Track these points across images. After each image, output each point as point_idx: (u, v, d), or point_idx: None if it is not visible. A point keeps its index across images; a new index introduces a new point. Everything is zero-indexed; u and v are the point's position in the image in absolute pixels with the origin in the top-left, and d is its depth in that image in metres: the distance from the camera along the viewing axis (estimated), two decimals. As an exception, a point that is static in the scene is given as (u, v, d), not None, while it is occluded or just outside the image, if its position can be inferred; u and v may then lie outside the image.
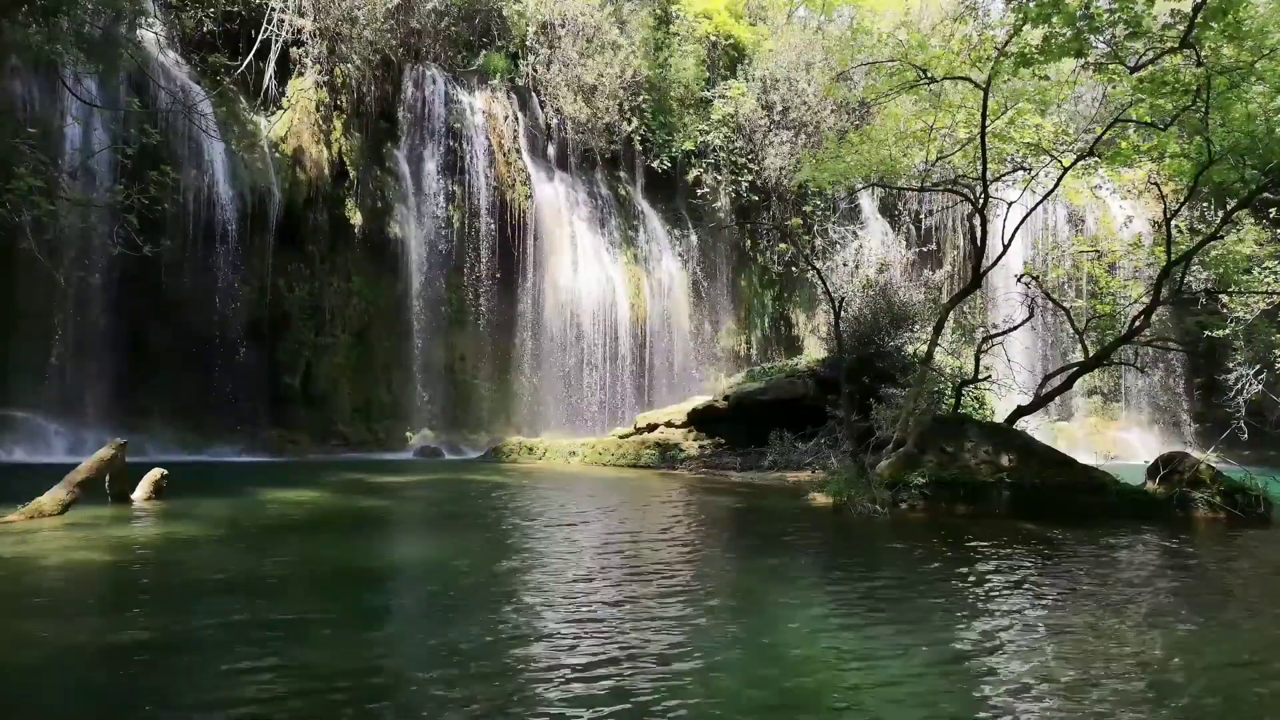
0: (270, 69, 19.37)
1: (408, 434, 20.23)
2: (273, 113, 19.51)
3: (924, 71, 11.78)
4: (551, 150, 24.07)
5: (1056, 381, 13.18)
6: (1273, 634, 4.97)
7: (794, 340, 26.76)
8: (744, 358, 25.96)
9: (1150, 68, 10.68)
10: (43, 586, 5.37)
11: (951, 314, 14.86)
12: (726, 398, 17.62)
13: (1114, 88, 12.43)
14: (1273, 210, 16.47)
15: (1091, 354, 13.14)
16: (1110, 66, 11.12)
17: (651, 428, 18.10)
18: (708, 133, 25.52)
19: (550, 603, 5.18)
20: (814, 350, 23.75)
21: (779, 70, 25.81)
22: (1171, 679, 4.02)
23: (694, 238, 26.04)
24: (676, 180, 25.88)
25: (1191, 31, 9.81)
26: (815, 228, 24.65)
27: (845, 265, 18.90)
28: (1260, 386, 19.66)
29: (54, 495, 7.86)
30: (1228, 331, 18.03)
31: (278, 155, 18.93)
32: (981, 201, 12.40)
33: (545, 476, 14.31)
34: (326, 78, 20.05)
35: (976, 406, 15.90)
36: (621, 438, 18.01)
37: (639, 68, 24.50)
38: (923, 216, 27.55)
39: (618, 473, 15.29)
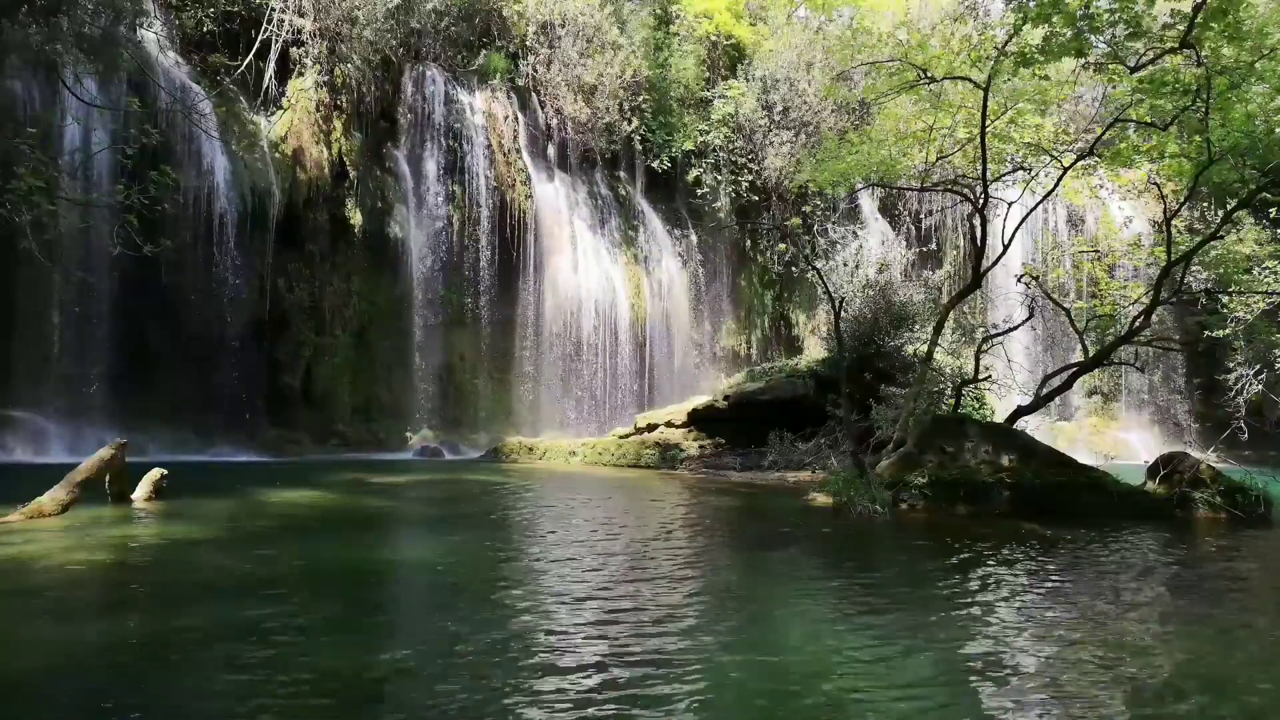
0: (270, 69, 19.38)
1: (408, 434, 20.24)
2: (273, 113, 19.52)
3: (924, 71, 11.79)
4: (551, 150, 24.07)
5: (1056, 381, 13.18)
6: (1274, 634, 4.97)
7: (794, 340, 26.76)
8: (744, 358, 25.96)
9: (1150, 68, 10.68)
10: (43, 586, 5.36)
11: (951, 314, 14.86)
12: (726, 398, 17.62)
13: (1114, 88, 12.44)
14: (1273, 210, 16.46)
15: (1091, 354, 13.14)
16: (1110, 66, 11.13)
17: (651, 428, 18.10)
18: (708, 133, 25.52)
19: (551, 603, 5.18)
20: (814, 350, 23.75)
21: (779, 70, 25.82)
22: (1172, 678, 4.02)
23: (694, 238, 26.05)
24: (676, 180, 25.89)
25: (1191, 31, 9.81)
26: (815, 228, 24.65)
27: (845, 265, 18.90)
28: (1260, 386, 19.66)
29: (54, 495, 7.85)
30: (1228, 331, 18.02)
31: (278, 155, 18.94)
32: (981, 201, 12.40)
33: (545, 477, 14.31)
34: (326, 78, 20.05)
35: (976, 406, 15.90)
36: (621, 438, 18.01)
37: (639, 68, 24.51)
38: (923, 216, 27.55)
39: (618, 473, 15.29)
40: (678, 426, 17.74)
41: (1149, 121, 11.26)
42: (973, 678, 3.92)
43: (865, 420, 13.79)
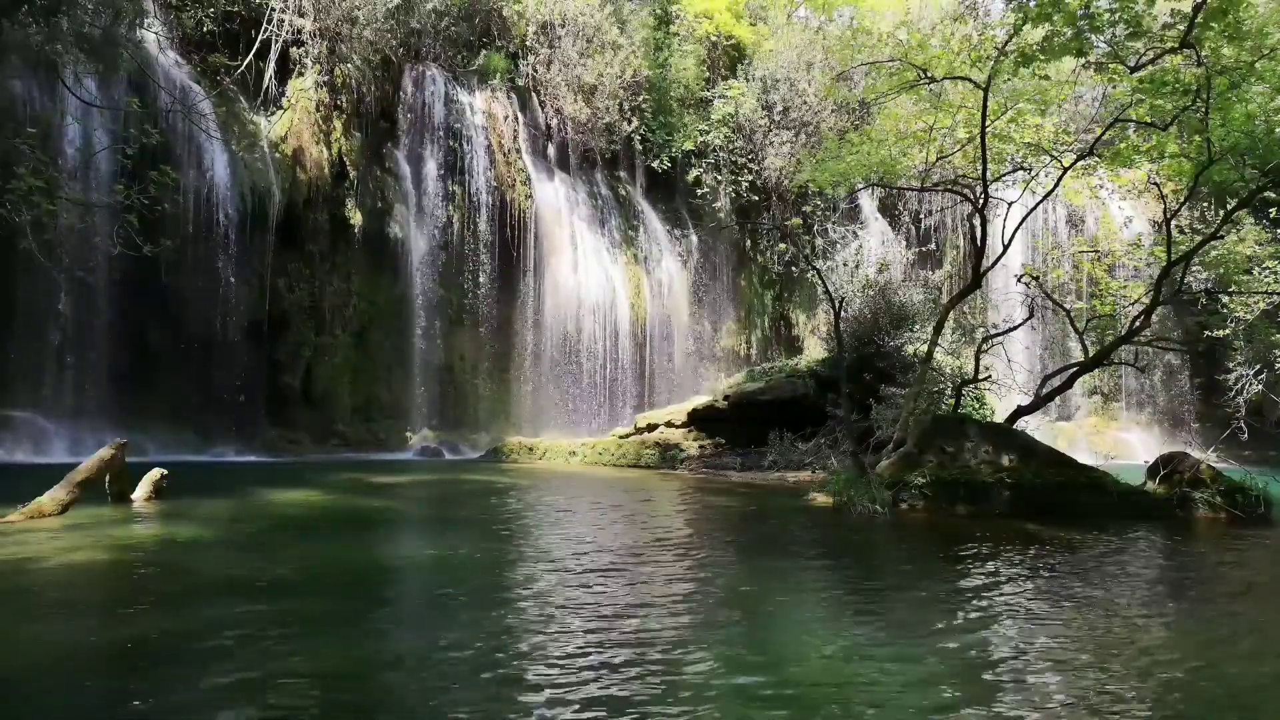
0: (270, 69, 19.37)
1: (408, 434, 20.24)
2: (273, 113, 19.52)
3: (924, 71, 11.78)
4: (551, 150, 24.07)
5: (1056, 381, 13.18)
6: (1274, 633, 4.97)
7: (794, 340, 26.75)
8: (744, 358, 25.96)
9: (1150, 68, 10.68)
10: (43, 586, 5.36)
11: (951, 314, 14.85)
12: (726, 398, 17.61)
13: (1114, 88, 12.43)
14: (1273, 210, 16.46)
15: (1091, 354, 13.13)
16: (1110, 66, 11.12)
17: (651, 428, 18.10)
18: (708, 133, 25.51)
19: (551, 603, 5.18)
20: (814, 350, 23.75)
21: (779, 70, 25.81)
22: (1173, 678, 4.02)
23: (694, 238, 26.05)
24: (676, 180, 25.88)
25: (1191, 31, 9.81)
26: (815, 228, 24.66)
27: (845, 265, 18.90)
28: (1260, 386, 19.65)
29: (54, 495, 7.85)
30: (1228, 331, 18.02)
31: (278, 155, 18.93)
32: (981, 201, 12.40)
33: (546, 477, 14.31)
34: (326, 78, 20.05)
35: (976, 406, 15.90)
36: (621, 438, 18.01)
37: (639, 68, 24.50)
38: (923, 216, 27.54)
39: (618, 473, 15.29)
40: (678, 426, 17.74)
41: (1149, 121, 11.25)
42: (972, 678, 3.92)
43: (865, 420, 13.79)
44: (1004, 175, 13.23)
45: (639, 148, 25.14)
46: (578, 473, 15.44)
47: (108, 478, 8.55)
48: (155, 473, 9.24)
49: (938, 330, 12.91)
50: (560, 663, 3.95)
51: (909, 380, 13.94)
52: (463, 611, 4.97)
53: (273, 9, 19.06)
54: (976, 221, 12.98)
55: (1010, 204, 13.08)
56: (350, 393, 20.12)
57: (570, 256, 23.06)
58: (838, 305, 13.17)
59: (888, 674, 3.92)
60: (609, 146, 24.55)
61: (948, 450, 10.52)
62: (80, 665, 3.90)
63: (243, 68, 18.83)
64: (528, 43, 23.77)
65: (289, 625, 4.55)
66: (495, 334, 22.07)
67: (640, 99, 24.56)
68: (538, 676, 3.77)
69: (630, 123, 24.41)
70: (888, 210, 27.83)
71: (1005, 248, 12.86)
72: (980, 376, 13.43)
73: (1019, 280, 14.66)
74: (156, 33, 17.62)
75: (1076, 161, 12.33)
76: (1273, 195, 13.88)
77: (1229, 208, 12.22)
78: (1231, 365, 20.36)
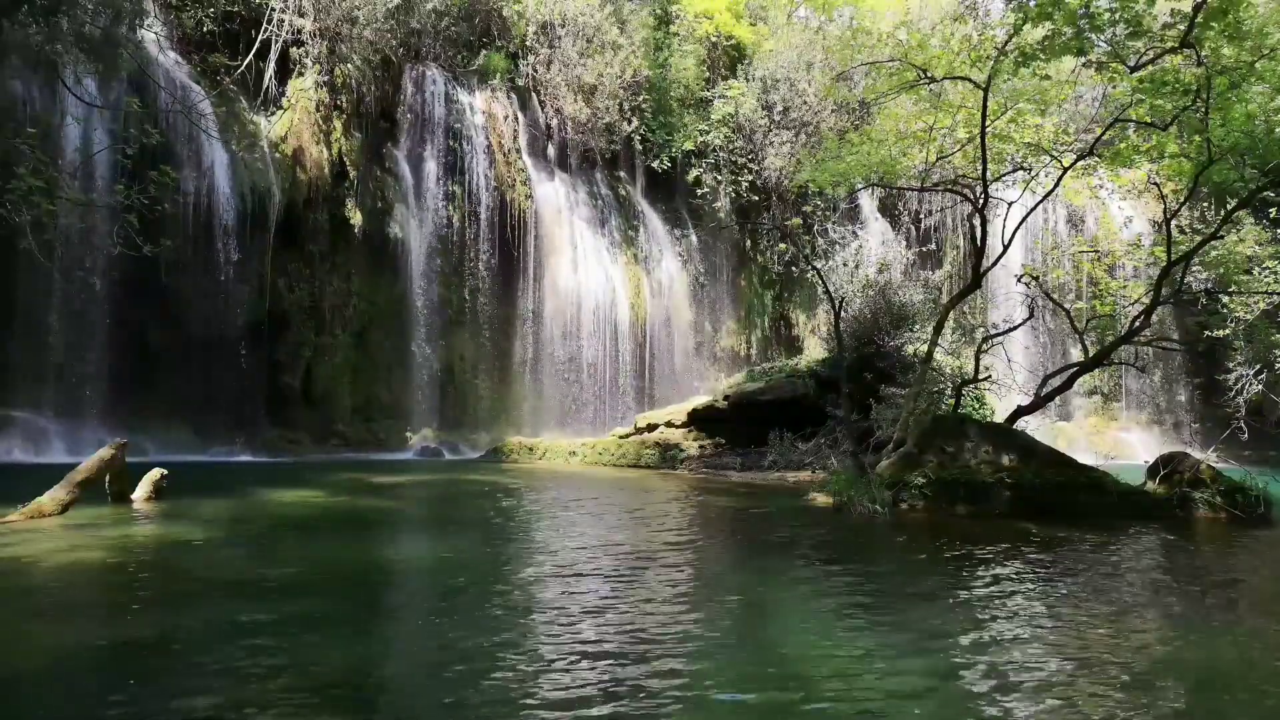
0: (270, 69, 19.37)
1: (408, 434, 20.24)
2: (273, 113, 19.52)
3: (924, 71, 11.77)
4: (551, 150, 24.07)
5: (1056, 381, 13.18)
6: (1274, 633, 4.96)
7: (794, 340, 26.75)
8: (744, 358, 25.95)
9: (1150, 68, 10.67)
10: (43, 586, 5.37)
11: (951, 314, 14.85)
12: (726, 398, 17.62)
13: (1114, 88, 12.42)
14: (1273, 210, 16.45)
15: (1091, 354, 13.13)
16: (1110, 66, 11.12)
17: (651, 428, 18.10)
18: (708, 133, 25.51)
19: (550, 603, 5.18)
20: (814, 350, 23.74)
21: (779, 70, 25.80)
22: (1172, 679, 4.02)
23: (694, 238, 26.04)
24: (676, 180, 25.88)
25: (1191, 31, 9.81)
26: (815, 228, 24.64)
27: (845, 265, 18.89)
28: (1260, 386, 19.63)
29: (54, 495, 7.85)
30: (1228, 331, 18.01)
31: (278, 155, 18.93)
32: (981, 201, 12.39)
33: (546, 477, 14.31)
34: (326, 78, 20.05)
35: (976, 406, 15.90)
36: (621, 438, 18.01)
37: (639, 68, 24.50)
38: (923, 216, 27.53)
39: (618, 473, 15.29)
40: (678, 426, 17.74)
41: (1149, 121, 11.24)
42: (972, 678, 3.92)
43: (865, 420, 13.79)
44: (1004, 175, 13.22)
45: (639, 148, 25.14)
46: (578, 473, 15.44)
47: (108, 478, 8.55)
48: (155, 473, 9.24)
49: (938, 330, 12.90)
50: (561, 663, 3.95)
51: (909, 380, 13.93)
52: (463, 613, 4.97)
53: (273, 9, 19.06)
54: (976, 221, 12.98)
55: (1010, 204, 13.08)
56: (350, 393, 20.13)
57: (570, 256, 23.07)
58: (838, 305, 13.17)
59: (885, 674, 3.91)
60: (609, 146, 24.55)
61: (948, 450, 10.52)
62: (80, 665, 3.90)
63: (243, 68, 18.84)
64: (528, 43, 23.77)
65: (289, 626, 4.55)
66: (495, 334, 22.07)
67: (640, 99, 24.56)
68: (538, 677, 3.77)
69: (630, 123, 24.41)
70: (888, 210, 27.82)
71: (1005, 248, 12.86)
72: (980, 376, 13.43)
73: (1019, 280, 14.65)
74: (156, 33, 17.63)
75: (1076, 161, 12.33)
76: (1273, 195, 13.90)
77: (1229, 208, 12.21)
78: (1231, 365, 20.35)
